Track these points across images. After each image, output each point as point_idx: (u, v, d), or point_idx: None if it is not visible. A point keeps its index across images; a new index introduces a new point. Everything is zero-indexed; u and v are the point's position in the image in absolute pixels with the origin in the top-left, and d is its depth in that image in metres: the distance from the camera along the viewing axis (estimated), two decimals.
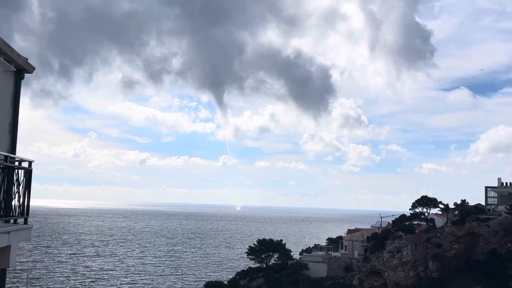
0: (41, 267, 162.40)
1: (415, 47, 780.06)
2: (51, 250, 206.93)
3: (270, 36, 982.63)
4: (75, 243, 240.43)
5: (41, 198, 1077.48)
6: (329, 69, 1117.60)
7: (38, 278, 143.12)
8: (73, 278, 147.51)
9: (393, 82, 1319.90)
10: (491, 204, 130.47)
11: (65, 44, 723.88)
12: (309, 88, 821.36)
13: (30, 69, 17.05)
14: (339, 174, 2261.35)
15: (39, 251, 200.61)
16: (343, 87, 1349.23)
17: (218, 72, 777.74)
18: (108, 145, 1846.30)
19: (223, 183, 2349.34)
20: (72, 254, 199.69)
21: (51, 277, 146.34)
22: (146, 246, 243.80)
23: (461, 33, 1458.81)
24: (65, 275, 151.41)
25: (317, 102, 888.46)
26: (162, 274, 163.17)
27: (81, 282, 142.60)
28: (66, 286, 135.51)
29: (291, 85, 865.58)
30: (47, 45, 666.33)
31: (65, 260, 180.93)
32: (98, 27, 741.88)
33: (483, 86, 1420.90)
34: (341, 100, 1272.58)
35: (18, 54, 15.82)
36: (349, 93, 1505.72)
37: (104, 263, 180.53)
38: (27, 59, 16.58)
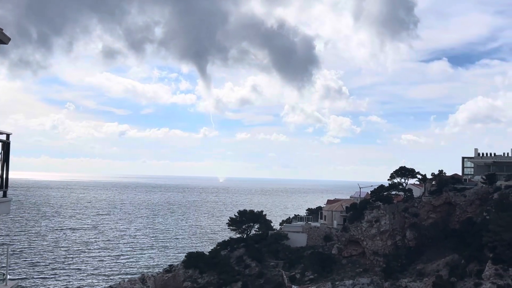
0: (22, 240, 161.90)
1: (398, 17, 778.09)
2: (32, 223, 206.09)
3: (254, 5, 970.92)
4: (56, 216, 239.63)
5: (19, 171, 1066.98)
6: (313, 39, 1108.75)
7: (19, 251, 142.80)
8: (55, 250, 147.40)
9: (376, 54, 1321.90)
10: (468, 174, 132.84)
11: (44, 12, 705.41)
12: (293, 59, 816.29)
13: (6, 40, 16.89)
14: (319, 146, 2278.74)
15: (19, 224, 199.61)
16: (326, 58, 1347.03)
17: (201, 42, 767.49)
18: (86, 117, 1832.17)
19: (204, 155, 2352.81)
20: (54, 227, 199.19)
21: (33, 250, 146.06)
22: (128, 219, 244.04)
23: (440, 5, 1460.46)
24: (47, 248, 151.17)
25: (301, 74, 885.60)
26: (144, 246, 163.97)
27: (63, 254, 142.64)
28: (48, 259, 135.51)
29: (275, 55, 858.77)
30: (24, 12, 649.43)
31: (46, 233, 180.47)
32: None
33: (461, 58, 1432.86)
34: (323, 72, 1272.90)
35: None
36: (333, 64, 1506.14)
37: (86, 235, 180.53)
38: (1, 29, 16.43)
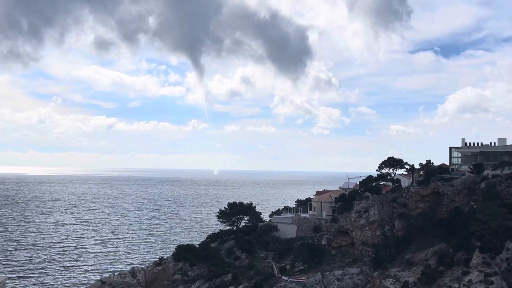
0: (12, 236, 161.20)
1: (392, 8, 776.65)
2: (21, 218, 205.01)
3: None
4: (46, 211, 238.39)
5: (6, 166, 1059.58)
6: (307, 30, 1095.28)
7: (9, 247, 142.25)
8: (47, 246, 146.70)
9: (370, 44, 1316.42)
10: (455, 164, 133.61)
11: (34, 2, 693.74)
12: (287, 49, 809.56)
13: None
14: (308, 137, 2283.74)
15: (10, 220, 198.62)
16: (320, 49, 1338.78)
17: (195, 32, 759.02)
18: (73, 110, 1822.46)
19: (193, 147, 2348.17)
20: (44, 222, 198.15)
21: (24, 246, 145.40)
22: (119, 213, 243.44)
23: None
24: (39, 243, 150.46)
25: (295, 65, 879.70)
26: (135, 240, 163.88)
27: (55, 250, 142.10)
28: (39, 254, 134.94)
29: (269, 46, 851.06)
30: (14, 3, 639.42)
31: (36, 228, 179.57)
32: None
33: (447, 49, 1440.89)
34: (313, 63, 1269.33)
35: None
36: (326, 55, 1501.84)
37: (77, 230, 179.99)
38: None
